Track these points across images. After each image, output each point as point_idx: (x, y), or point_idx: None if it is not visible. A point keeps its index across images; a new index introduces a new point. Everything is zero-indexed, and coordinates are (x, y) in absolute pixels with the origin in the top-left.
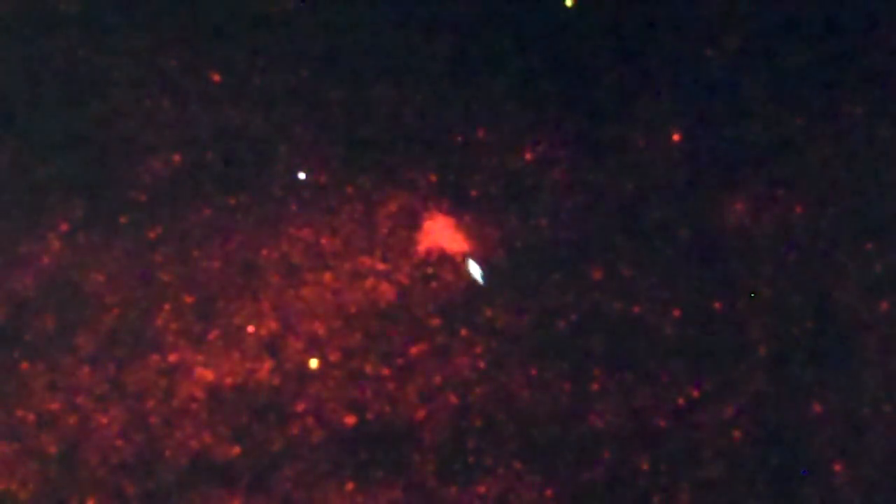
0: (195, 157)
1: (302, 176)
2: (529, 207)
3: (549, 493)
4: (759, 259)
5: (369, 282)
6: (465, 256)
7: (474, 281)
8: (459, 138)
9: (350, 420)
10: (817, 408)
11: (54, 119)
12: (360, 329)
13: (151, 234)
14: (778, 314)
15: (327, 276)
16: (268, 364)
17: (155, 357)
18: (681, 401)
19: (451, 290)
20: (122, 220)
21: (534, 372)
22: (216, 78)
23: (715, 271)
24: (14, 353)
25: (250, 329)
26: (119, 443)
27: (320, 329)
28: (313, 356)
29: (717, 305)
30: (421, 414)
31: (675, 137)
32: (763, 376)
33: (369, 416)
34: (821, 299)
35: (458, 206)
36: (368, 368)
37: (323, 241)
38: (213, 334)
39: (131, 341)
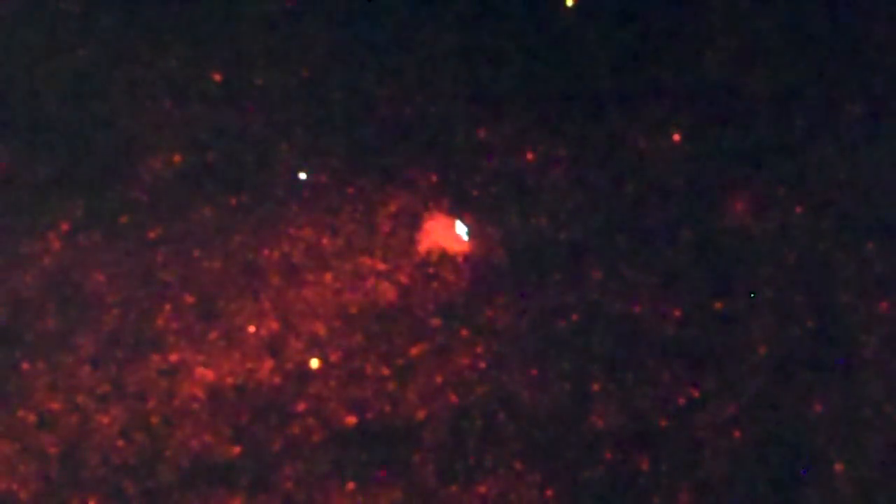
0: (196, 157)
1: (303, 176)
2: (529, 207)
3: (549, 493)
4: (759, 259)
5: (370, 282)
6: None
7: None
8: (459, 138)
9: (350, 420)
10: (817, 408)
11: (54, 119)
12: (360, 329)
13: (152, 234)
14: (778, 314)
15: (328, 276)
16: (268, 364)
17: (156, 357)
18: (681, 401)
19: (451, 290)
20: (123, 220)
21: (534, 372)
22: (216, 78)
23: (715, 271)
24: (14, 353)
25: (251, 329)
26: (119, 443)
27: (321, 329)
28: (314, 356)
29: (717, 305)
30: (421, 414)
31: (675, 137)
32: (763, 376)
33: (369, 416)
34: (821, 299)
35: (459, 206)
36: (369, 368)
37: (324, 241)
38: (213, 334)
39: (132, 341)
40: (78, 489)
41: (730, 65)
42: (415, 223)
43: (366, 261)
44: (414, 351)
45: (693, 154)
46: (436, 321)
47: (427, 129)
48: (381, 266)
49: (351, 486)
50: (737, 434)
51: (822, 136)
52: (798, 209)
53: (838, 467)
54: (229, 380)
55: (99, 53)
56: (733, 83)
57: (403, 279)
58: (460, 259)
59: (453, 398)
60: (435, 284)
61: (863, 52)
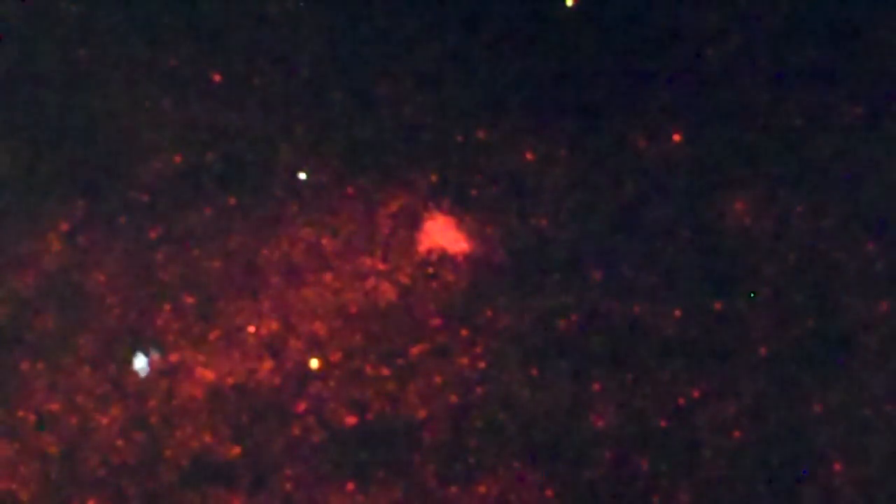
0: (196, 157)
1: (302, 176)
2: (529, 207)
3: (549, 493)
4: (759, 259)
5: (370, 282)
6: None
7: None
8: (459, 138)
9: (350, 420)
10: (817, 408)
11: (54, 119)
12: (360, 329)
13: (152, 234)
14: (778, 314)
15: (328, 277)
16: (268, 364)
17: (156, 357)
18: (681, 401)
19: (451, 290)
20: (123, 220)
21: (534, 372)
22: (216, 78)
23: (715, 271)
24: (14, 353)
25: (251, 329)
26: (119, 443)
27: (321, 329)
28: (314, 356)
29: (717, 305)
30: (421, 414)
31: (676, 137)
32: (763, 376)
33: (369, 416)
34: (821, 299)
35: (459, 206)
36: (369, 368)
37: (324, 241)
38: (213, 334)
39: (132, 341)
40: (78, 489)
41: (730, 64)
42: (415, 223)
43: (366, 261)
44: (414, 351)
45: (693, 154)
46: (436, 321)
47: (427, 129)
48: (382, 266)
49: (351, 486)
50: (737, 434)
51: (822, 136)
52: (798, 209)
53: (838, 467)
54: (229, 380)
55: (99, 53)
56: (733, 83)
57: (403, 279)
58: (460, 259)
59: (453, 398)
60: (435, 284)
61: (863, 52)
